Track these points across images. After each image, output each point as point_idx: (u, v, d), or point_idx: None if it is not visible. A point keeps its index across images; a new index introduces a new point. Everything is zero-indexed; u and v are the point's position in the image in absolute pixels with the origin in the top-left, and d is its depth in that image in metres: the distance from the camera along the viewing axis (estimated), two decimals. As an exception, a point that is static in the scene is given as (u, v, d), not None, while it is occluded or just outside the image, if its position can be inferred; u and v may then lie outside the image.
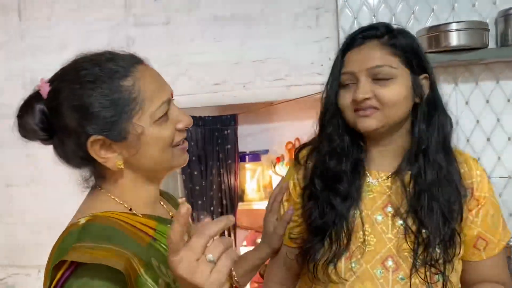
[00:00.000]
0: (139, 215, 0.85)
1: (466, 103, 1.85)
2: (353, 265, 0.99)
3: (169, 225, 0.87)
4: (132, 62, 0.83)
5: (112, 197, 0.84)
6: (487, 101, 1.84)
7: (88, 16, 2.13)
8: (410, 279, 0.96)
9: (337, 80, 1.03)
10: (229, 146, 2.09)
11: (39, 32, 2.18)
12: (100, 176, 0.86)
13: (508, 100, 1.82)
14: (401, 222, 1.00)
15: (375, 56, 0.98)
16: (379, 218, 1.02)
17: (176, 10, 2.07)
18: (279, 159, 2.26)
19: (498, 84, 1.83)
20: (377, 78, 0.97)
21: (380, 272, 0.98)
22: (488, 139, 1.85)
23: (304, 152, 1.15)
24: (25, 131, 0.83)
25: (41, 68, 2.17)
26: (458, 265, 1.01)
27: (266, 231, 1.17)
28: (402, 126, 1.03)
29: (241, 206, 2.18)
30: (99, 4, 2.13)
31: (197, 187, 2.08)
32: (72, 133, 0.79)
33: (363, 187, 1.05)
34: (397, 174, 1.03)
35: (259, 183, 2.25)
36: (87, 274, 0.68)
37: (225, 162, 2.09)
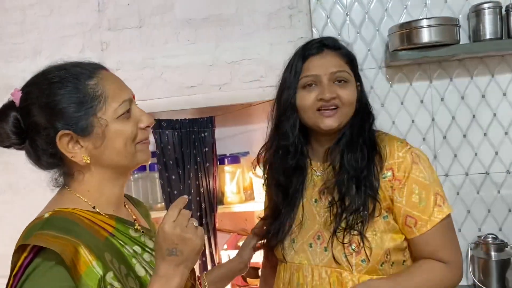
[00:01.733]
0: (102, 213, 0.90)
1: (442, 99, 1.85)
2: (293, 242, 1.18)
3: (129, 226, 0.93)
4: (96, 67, 0.92)
5: (77, 195, 0.89)
6: (462, 98, 1.83)
7: (61, 21, 2.12)
8: (332, 242, 1.11)
9: (297, 82, 1.16)
10: (206, 149, 2.07)
11: (12, 39, 2.16)
12: (68, 175, 0.91)
13: (483, 96, 1.82)
14: (330, 199, 1.15)
15: (336, 63, 1.16)
16: (315, 201, 1.19)
17: (150, 13, 2.05)
18: (259, 160, 2.24)
19: (473, 80, 1.82)
20: (338, 81, 1.14)
21: (311, 245, 1.16)
22: (464, 136, 1.84)
23: (262, 154, 1.33)
24: (0, 137, 0.89)
25: (14, 74, 2.16)
26: (386, 236, 1.10)
27: (242, 244, 1.32)
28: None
29: (221, 209, 2.15)
30: (72, 9, 2.11)
31: (175, 191, 2.06)
32: (42, 130, 0.86)
33: (306, 178, 1.22)
34: (328, 155, 1.18)
35: (239, 186, 2.22)
36: (45, 257, 0.76)
37: (203, 165, 2.07)
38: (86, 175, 0.90)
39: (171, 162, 2.06)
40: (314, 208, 1.19)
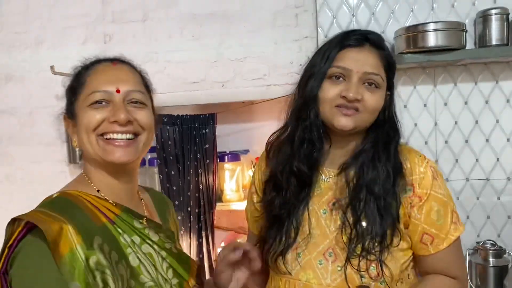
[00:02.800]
0: (110, 201, 0.91)
1: (445, 104, 1.84)
2: (299, 256, 1.06)
3: (135, 218, 0.92)
4: (103, 60, 0.95)
5: (87, 178, 0.93)
6: (466, 103, 1.83)
7: (65, 12, 2.09)
8: (345, 268, 1.00)
9: (326, 71, 1.03)
10: (207, 146, 2.06)
11: (15, 28, 2.13)
12: (83, 159, 0.97)
13: (486, 102, 1.82)
14: (341, 215, 1.05)
15: (374, 63, 1.03)
16: (324, 212, 1.08)
17: (154, 6, 2.04)
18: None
19: (477, 85, 1.82)
20: (368, 83, 1.02)
21: (320, 262, 1.04)
22: (466, 141, 1.84)
23: (272, 144, 1.18)
24: None
25: (16, 63, 2.14)
26: (399, 254, 1.04)
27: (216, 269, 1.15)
28: (362, 131, 1.09)
29: (219, 206, 2.14)
30: (76, 0, 2.09)
31: (175, 187, 2.05)
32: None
33: (314, 183, 1.10)
34: (343, 170, 1.07)
35: (239, 183, 2.22)
36: (35, 234, 0.78)
37: (203, 162, 2.06)
38: (86, 162, 0.94)
39: (171, 158, 2.04)
40: (323, 220, 1.07)
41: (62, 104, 2.11)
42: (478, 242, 1.79)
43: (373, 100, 1.02)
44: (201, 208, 2.06)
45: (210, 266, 2.07)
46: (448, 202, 1.07)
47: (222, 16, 2.01)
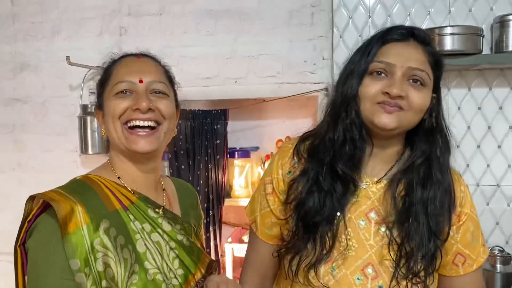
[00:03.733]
0: (129, 188, 0.95)
1: (458, 108, 1.84)
2: (333, 269, 0.96)
3: (151, 207, 0.95)
4: (129, 54, 1.00)
5: (110, 165, 0.98)
6: (479, 108, 1.82)
7: (82, 3, 2.10)
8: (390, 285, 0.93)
9: (366, 67, 0.95)
10: (218, 141, 2.07)
11: (31, 17, 2.15)
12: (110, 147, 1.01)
13: (500, 108, 1.81)
14: (383, 229, 0.97)
15: (420, 58, 0.94)
16: (362, 223, 0.98)
17: (171, 1, 2.04)
18: (269, 156, 2.24)
19: (491, 91, 1.81)
20: (413, 80, 0.93)
21: (358, 278, 0.95)
22: (478, 146, 1.83)
23: (306, 144, 1.07)
24: None
25: (31, 53, 2.16)
26: (435, 275, 1.00)
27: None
28: (403, 133, 1.01)
29: (227, 202, 2.16)
30: (93, -8, 2.10)
31: (184, 181, 2.07)
32: None
33: (349, 188, 1.00)
34: (391, 181, 0.99)
35: (248, 180, 2.23)
36: (49, 212, 0.84)
37: (214, 157, 2.07)
38: (111, 150, 0.99)
39: (181, 152, 2.06)
40: (360, 232, 0.98)
41: (75, 94, 2.14)
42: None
43: (418, 98, 0.92)
44: (209, 203, 2.08)
45: (217, 260, 2.09)
46: (479, 223, 1.04)
47: (237, 12, 2.01)
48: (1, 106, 2.21)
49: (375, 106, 0.93)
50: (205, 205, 2.06)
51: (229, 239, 2.20)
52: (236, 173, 2.22)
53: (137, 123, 0.91)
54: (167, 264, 0.92)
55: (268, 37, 1.99)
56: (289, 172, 1.04)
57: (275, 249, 1.06)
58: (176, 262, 0.94)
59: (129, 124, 0.92)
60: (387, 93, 0.91)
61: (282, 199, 1.04)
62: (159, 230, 0.94)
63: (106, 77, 0.97)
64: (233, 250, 2.12)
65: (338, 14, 1.88)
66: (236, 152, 2.22)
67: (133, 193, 0.95)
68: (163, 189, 1.05)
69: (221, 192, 2.09)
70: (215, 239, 2.08)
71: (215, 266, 1.05)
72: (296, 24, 1.97)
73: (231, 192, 2.22)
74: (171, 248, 0.94)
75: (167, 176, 1.16)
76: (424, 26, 1.81)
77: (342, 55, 1.81)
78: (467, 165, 1.84)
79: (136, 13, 2.07)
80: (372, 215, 0.98)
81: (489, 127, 1.82)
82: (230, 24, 2.01)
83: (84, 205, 0.85)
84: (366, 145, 0.99)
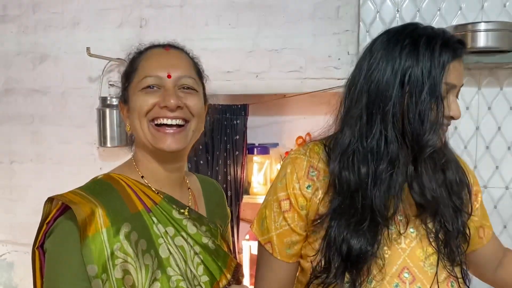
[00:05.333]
0: (152, 188, 0.90)
1: (489, 108, 1.76)
2: (370, 283, 0.90)
3: (175, 208, 0.90)
4: (156, 45, 0.94)
5: (134, 163, 0.93)
6: (511, 108, 1.75)
7: (102, -7, 2.08)
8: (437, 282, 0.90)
9: (439, 88, 0.85)
10: (237, 137, 2.03)
11: (52, 8, 2.13)
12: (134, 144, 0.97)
13: (534, 108, 1.73)
14: (412, 230, 0.93)
15: (463, 74, 0.91)
16: (391, 228, 0.92)
17: (192, -8, 2.00)
18: (289, 153, 2.19)
19: (525, 90, 1.74)
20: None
21: (396, 285, 0.90)
22: (509, 148, 1.76)
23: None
24: None
25: (51, 43, 2.14)
26: None
27: None
28: None
29: (246, 199, 2.12)
30: (114, -18, 2.07)
31: (202, 177, 2.03)
32: None
33: None
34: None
35: (266, 177, 2.19)
36: (68, 215, 0.80)
37: (233, 153, 2.03)
38: (136, 147, 0.94)
39: (200, 147, 2.02)
40: (391, 237, 0.93)
41: (95, 86, 2.12)
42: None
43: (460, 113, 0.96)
44: (228, 199, 2.04)
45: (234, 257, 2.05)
46: None
47: (260, 5, 1.96)
48: (21, 97, 2.20)
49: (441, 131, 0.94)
50: (223, 201, 2.03)
51: (247, 236, 2.16)
52: (255, 170, 2.18)
53: (165, 121, 0.86)
54: (191, 270, 0.87)
55: (291, 31, 1.93)
56: (309, 186, 0.94)
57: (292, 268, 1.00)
58: (201, 268, 0.89)
59: (156, 122, 0.87)
60: (452, 117, 0.91)
61: (303, 214, 0.95)
62: (183, 234, 0.89)
63: (132, 69, 0.92)
64: (250, 247, 2.09)
65: (365, 8, 1.82)
66: (255, 148, 2.18)
67: (157, 193, 0.91)
68: (188, 188, 1.01)
69: (240, 189, 2.06)
70: (232, 236, 2.05)
71: (241, 271, 1.00)
72: (321, 17, 1.91)
73: (249, 189, 2.18)
74: (195, 253, 0.89)
75: (193, 172, 1.11)
76: (455, 22, 1.74)
77: (369, 51, 1.75)
78: (496, 167, 1.77)
79: (157, 5, 2.04)
80: (399, 217, 0.93)
81: (522, 128, 1.75)
82: (252, 17, 1.96)
83: (105, 208, 0.81)
84: None
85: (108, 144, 1.99)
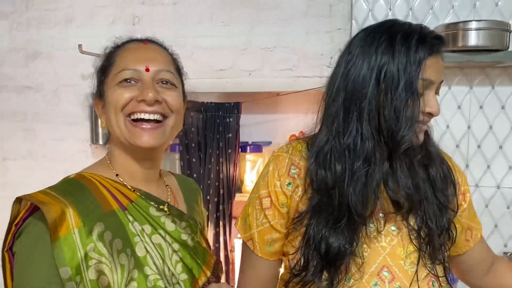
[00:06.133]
0: (128, 186, 0.88)
1: (481, 107, 1.76)
2: (348, 280, 0.89)
3: (153, 204, 0.88)
4: (134, 39, 0.93)
5: (108, 161, 0.91)
6: (503, 107, 1.75)
7: (95, -10, 2.07)
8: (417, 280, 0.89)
9: (415, 85, 0.84)
10: (230, 135, 2.02)
11: (45, 5, 2.12)
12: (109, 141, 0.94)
13: (526, 107, 1.73)
14: (393, 228, 0.92)
15: (442, 70, 0.90)
16: (372, 226, 0.91)
17: (185, -10, 2.00)
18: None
19: (516, 89, 1.74)
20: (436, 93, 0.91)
21: (375, 284, 0.89)
22: (500, 147, 1.76)
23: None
24: None
25: (44, 40, 2.13)
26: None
27: None
28: None
29: (238, 197, 2.11)
30: (107, -21, 2.07)
31: (195, 175, 2.03)
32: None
33: None
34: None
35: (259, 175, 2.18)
36: (37, 215, 0.78)
37: (225, 151, 2.03)
38: (111, 144, 0.91)
39: (193, 145, 2.02)
40: (371, 235, 0.92)
41: (87, 83, 2.11)
42: (505, 253, 1.73)
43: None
44: (220, 198, 2.04)
45: (226, 256, 2.05)
46: None
47: (253, 2, 1.95)
48: (14, 94, 2.20)
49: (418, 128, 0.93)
50: (216, 199, 2.03)
51: (239, 235, 2.16)
52: (247, 168, 2.17)
53: (142, 116, 0.83)
54: (169, 268, 0.84)
55: (284, 28, 1.93)
56: (289, 183, 0.94)
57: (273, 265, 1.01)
58: (179, 266, 0.87)
59: (132, 117, 0.84)
60: (430, 113, 0.90)
61: (284, 212, 0.95)
62: (161, 231, 0.87)
63: (108, 63, 0.88)
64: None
65: (357, 6, 1.82)
66: (248, 147, 2.17)
67: (133, 190, 0.88)
68: (166, 185, 0.99)
69: (232, 187, 2.05)
70: (224, 234, 2.05)
71: (221, 267, 0.99)
72: (313, 15, 1.91)
73: (242, 187, 2.18)
74: (174, 251, 0.87)
75: (168, 171, 1.08)
76: (447, 20, 1.74)
77: (361, 49, 1.75)
78: (488, 166, 1.77)
79: (150, 2, 2.03)
80: (380, 214, 0.92)
81: (513, 127, 1.75)
82: (245, 14, 1.96)
83: (76, 208, 0.78)
84: None
85: (101, 142, 1.98)
